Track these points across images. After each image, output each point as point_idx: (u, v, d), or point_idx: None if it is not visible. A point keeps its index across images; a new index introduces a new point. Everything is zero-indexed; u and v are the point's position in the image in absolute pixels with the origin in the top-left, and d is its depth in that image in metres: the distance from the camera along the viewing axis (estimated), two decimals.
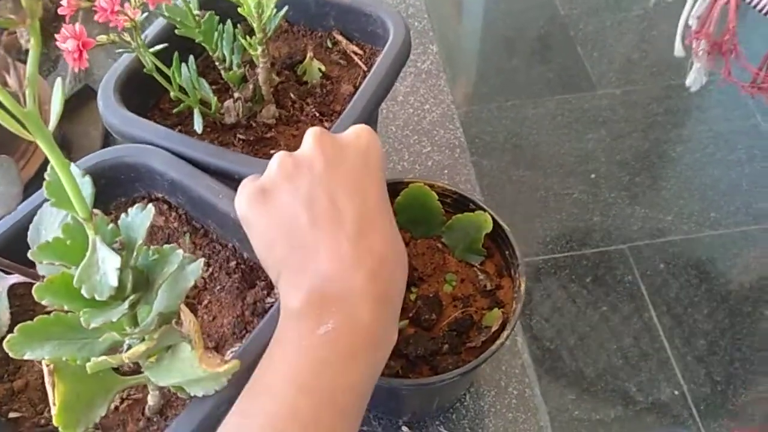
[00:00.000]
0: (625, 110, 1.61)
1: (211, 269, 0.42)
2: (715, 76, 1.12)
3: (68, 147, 0.66)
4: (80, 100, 0.66)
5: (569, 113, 1.60)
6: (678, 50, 1.07)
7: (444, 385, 0.40)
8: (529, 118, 1.59)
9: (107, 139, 0.67)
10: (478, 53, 1.81)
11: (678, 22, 1.05)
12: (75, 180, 0.25)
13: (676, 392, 1.21)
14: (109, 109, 0.46)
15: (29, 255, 0.27)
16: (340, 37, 0.56)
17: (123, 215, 0.28)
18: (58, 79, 0.23)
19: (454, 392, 0.50)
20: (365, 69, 0.54)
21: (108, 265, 0.26)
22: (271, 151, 0.48)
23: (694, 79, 1.10)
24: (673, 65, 1.63)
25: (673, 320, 1.29)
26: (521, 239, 0.48)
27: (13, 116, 0.21)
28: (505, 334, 0.41)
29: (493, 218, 0.47)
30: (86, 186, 0.26)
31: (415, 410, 0.51)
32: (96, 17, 0.39)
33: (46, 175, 0.26)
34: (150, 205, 0.27)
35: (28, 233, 0.37)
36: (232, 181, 0.42)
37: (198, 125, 0.46)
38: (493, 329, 0.43)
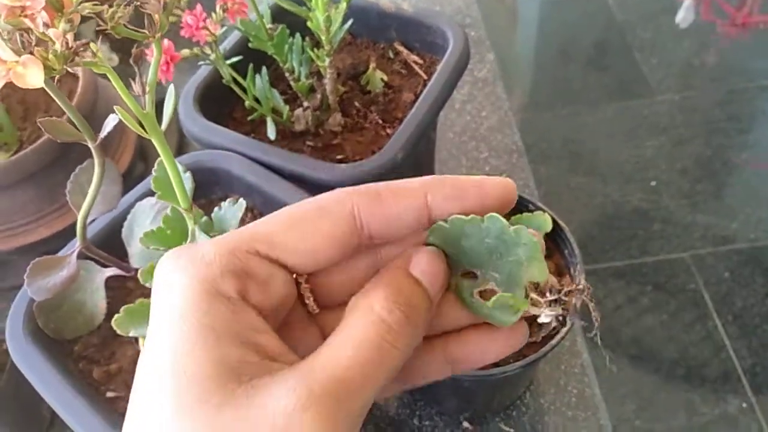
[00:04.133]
0: (685, 116, 1.58)
1: None
2: None
3: (145, 157, 0.71)
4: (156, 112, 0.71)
5: (628, 120, 1.58)
6: None
7: (505, 377, 0.42)
8: (586, 126, 1.58)
9: (180, 150, 0.72)
10: (534, 61, 1.81)
11: None
12: (180, 174, 0.28)
13: (744, 404, 1.17)
14: (189, 117, 0.50)
15: (137, 241, 0.30)
16: (401, 48, 0.58)
17: (216, 209, 0.31)
18: (171, 86, 0.26)
19: (514, 388, 0.52)
20: (425, 78, 0.56)
21: None
22: (338, 157, 0.51)
23: (683, 17, 1.10)
24: (736, 70, 1.59)
25: (740, 330, 1.25)
26: (579, 247, 0.48)
27: (134, 117, 0.25)
28: (564, 329, 0.43)
29: (553, 218, 0.48)
30: (188, 181, 0.29)
31: (477, 407, 0.52)
32: (182, 33, 0.43)
33: (153, 171, 0.30)
34: (242, 199, 0.30)
35: (122, 231, 0.41)
36: (304, 184, 0.45)
37: (271, 132, 0.50)
38: (553, 325, 0.44)
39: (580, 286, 0.20)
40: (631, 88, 1.65)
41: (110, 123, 0.33)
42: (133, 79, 0.25)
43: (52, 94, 0.31)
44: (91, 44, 0.25)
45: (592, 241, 1.38)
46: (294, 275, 0.19)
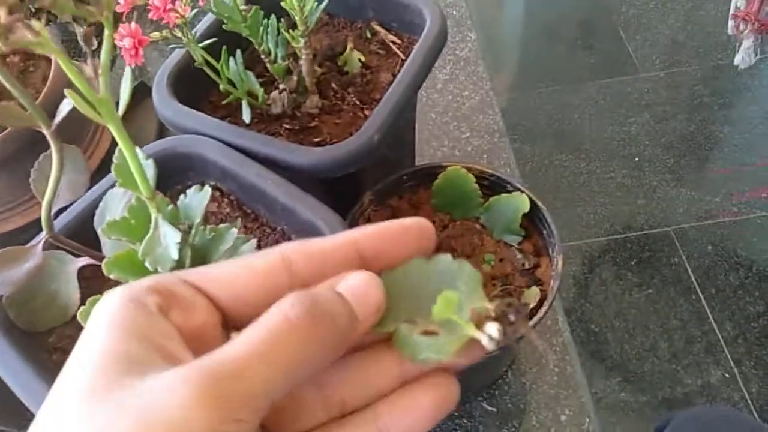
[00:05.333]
0: (669, 92, 1.58)
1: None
2: (766, 54, 1.11)
3: None
4: (135, 96, 0.70)
5: (612, 97, 1.58)
6: (730, 29, 1.07)
7: (484, 358, 0.42)
8: (571, 104, 1.58)
9: (161, 134, 0.71)
10: (519, 40, 1.80)
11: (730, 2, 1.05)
12: (140, 162, 0.27)
13: (727, 375, 1.19)
14: (162, 102, 0.49)
15: (100, 231, 0.30)
16: (378, 28, 0.58)
17: (182, 196, 0.30)
18: (127, 69, 0.25)
19: (495, 367, 0.52)
20: (403, 58, 0.56)
21: (169, 239, 0.28)
22: (315, 139, 0.51)
23: (742, 58, 1.10)
24: (720, 44, 1.59)
25: (723, 303, 1.27)
26: (564, 224, 0.49)
27: (87, 102, 0.24)
28: (543, 310, 0.43)
29: (531, 199, 0.48)
30: (149, 168, 0.29)
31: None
32: (150, 15, 0.42)
33: (114, 158, 0.29)
34: (207, 187, 0.30)
35: (94, 218, 0.40)
36: (279, 168, 0.45)
37: (246, 116, 0.49)
38: (532, 306, 0.44)
39: (513, 303, 0.20)
40: (616, 66, 1.64)
41: (65, 108, 0.32)
42: (85, 61, 0.24)
43: None
44: (34, 22, 0.23)
45: (576, 217, 1.39)
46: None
